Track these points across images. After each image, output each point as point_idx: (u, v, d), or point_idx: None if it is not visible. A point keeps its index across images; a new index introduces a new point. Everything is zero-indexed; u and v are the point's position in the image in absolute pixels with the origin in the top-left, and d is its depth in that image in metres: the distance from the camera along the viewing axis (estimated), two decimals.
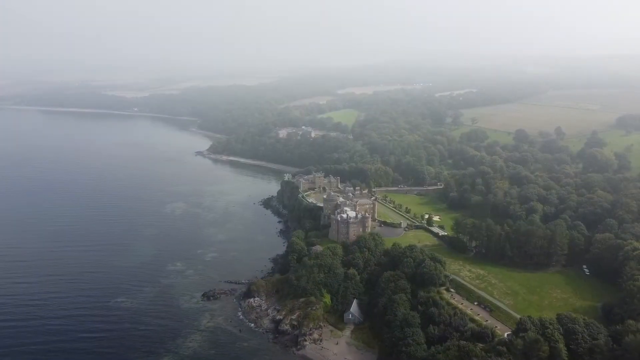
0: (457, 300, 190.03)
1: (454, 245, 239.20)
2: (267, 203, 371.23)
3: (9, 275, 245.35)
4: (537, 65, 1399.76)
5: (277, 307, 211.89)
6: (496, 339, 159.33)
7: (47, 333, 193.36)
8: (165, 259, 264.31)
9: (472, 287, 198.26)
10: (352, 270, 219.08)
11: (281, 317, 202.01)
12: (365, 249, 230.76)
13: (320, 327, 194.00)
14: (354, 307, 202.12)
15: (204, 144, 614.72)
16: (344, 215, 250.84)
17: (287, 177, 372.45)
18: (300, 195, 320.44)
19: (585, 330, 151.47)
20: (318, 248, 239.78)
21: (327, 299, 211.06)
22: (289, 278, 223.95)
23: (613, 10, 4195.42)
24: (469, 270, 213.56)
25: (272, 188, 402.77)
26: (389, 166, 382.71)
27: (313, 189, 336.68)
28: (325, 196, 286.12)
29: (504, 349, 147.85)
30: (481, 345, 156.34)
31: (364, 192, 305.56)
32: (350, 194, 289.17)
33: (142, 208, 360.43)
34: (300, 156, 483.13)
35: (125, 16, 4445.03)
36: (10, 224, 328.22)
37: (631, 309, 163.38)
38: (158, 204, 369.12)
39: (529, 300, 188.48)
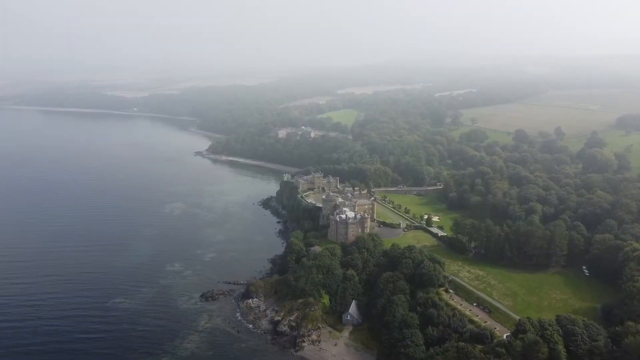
0: (456, 301, 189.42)
1: (453, 246, 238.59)
2: (266, 203, 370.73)
3: (7, 276, 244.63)
4: (537, 65, 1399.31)
5: (276, 308, 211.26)
6: (495, 341, 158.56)
7: (44, 334, 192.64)
8: (164, 259, 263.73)
9: (471, 288, 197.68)
10: (350, 271, 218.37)
11: (279, 318, 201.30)
12: (364, 250, 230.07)
13: (319, 328, 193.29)
14: (352, 308, 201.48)
15: (204, 144, 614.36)
16: (343, 216, 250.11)
17: (286, 177, 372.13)
18: (299, 196, 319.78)
19: (585, 332, 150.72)
20: (317, 249, 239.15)
21: (326, 299, 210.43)
22: (287, 279, 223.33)
23: (613, 10, 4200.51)
24: (468, 271, 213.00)
25: (271, 188, 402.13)
26: (388, 166, 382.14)
27: (312, 189, 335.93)
28: (324, 196, 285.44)
29: (503, 350, 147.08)
30: (480, 346, 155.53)
31: (363, 192, 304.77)
32: (349, 195, 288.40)
33: (141, 208, 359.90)
34: (299, 156, 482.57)
35: (125, 16, 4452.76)
36: (10, 224, 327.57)
37: (631, 310, 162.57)
38: (157, 204, 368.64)
39: (528, 301, 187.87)
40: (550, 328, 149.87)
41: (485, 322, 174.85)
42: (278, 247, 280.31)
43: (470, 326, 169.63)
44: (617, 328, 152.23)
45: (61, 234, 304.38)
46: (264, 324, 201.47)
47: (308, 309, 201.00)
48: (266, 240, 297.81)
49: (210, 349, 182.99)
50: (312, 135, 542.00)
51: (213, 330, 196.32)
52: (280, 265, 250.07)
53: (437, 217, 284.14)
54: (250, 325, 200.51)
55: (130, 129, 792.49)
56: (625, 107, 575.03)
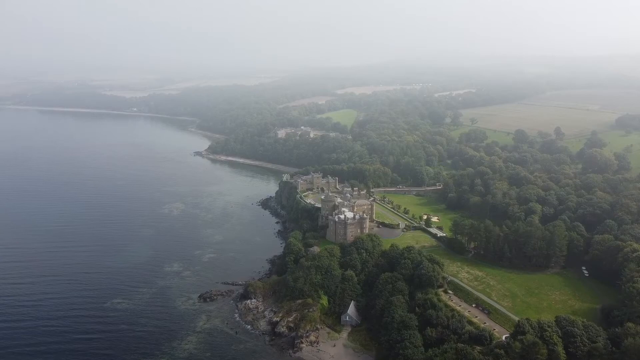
0: (455, 302, 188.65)
1: (452, 247, 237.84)
2: (265, 203, 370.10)
3: (5, 276, 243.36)
4: (537, 65, 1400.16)
5: (274, 309, 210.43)
6: (494, 342, 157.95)
7: (42, 334, 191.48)
8: (163, 259, 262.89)
9: (470, 289, 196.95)
10: (349, 272, 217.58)
11: (278, 319, 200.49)
12: (362, 250, 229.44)
13: (317, 329, 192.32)
14: (351, 309, 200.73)
15: (203, 144, 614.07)
16: (342, 216, 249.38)
17: (285, 177, 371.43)
18: (298, 196, 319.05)
19: (584, 333, 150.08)
20: (315, 249, 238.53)
21: (324, 300, 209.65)
22: (286, 279, 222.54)
23: (613, 10, 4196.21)
24: (467, 272, 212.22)
25: (270, 188, 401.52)
26: (387, 166, 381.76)
27: (311, 189, 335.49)
28: (322, 197, 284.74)
29: (502, 351, 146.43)
30: (479, 348, 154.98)
31: (362, 192, 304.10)
32: (348, 195, 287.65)
33: (140, 208, 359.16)
34: (298, 156, 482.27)
35: (125, 16, 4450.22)
36: (9, 224, 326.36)
37: (630, 311, 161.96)
38: (156, 204, 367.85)
39: (527, 302, 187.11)
40: (549, 329, 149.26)
41: (484, 323, 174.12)
42: (277, 248, 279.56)
43: (469, 327, 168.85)
44: (616, 329, 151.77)
45: (59, 234, 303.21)
46: (262, 324, 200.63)
47: (306, 310, 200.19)
48: (265, 241, 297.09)
49: (209, 350, 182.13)
50: (312, 135, 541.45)
51: (211, 331, 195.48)
52: (279, 265, 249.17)
53: (436, 218, 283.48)
54: (249, 326, 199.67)
55: (130, 129, 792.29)
56: (625, 107, 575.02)
